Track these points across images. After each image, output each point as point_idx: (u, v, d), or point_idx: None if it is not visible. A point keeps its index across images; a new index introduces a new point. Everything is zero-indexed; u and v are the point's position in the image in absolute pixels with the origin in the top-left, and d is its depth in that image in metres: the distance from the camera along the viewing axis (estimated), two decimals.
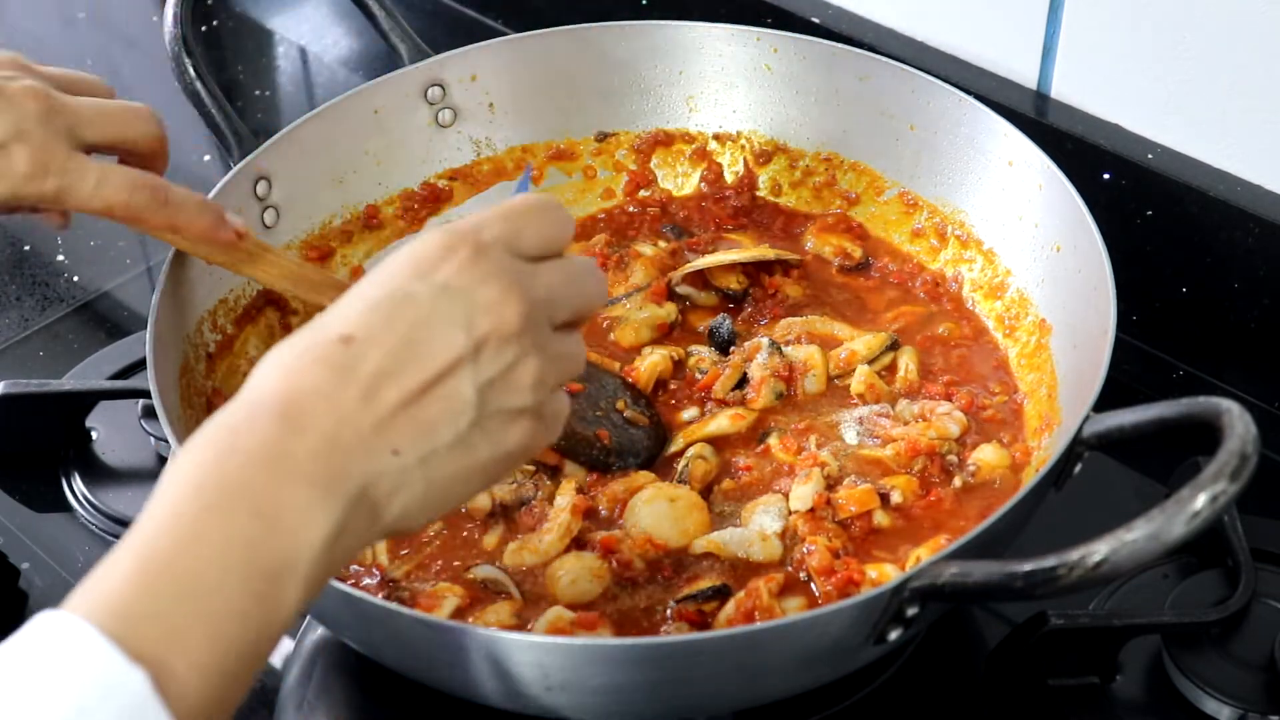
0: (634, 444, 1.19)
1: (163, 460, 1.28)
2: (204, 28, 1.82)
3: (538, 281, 0.83)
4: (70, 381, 1.35)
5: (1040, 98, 1.39)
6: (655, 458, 1.19)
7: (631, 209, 1.42)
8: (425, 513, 0.81)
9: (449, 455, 0.80)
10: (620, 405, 1.21)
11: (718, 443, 1.18)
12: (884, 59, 1.34)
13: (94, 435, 1.33)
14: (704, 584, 1.06)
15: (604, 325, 1.29)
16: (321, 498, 0.75)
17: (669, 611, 1.06)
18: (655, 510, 1.11)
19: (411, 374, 0.78)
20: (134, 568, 0.71)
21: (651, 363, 1.23)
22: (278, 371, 0.78)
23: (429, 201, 1.37)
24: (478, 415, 0.80)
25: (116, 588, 0.70)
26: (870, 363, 1.23)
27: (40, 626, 0.69)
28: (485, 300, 0.80)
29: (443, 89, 1.37)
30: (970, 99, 1.29)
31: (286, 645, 1.17)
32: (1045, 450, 1.14)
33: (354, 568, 1.11)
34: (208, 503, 0.73)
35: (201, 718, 0.70)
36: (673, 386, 1.24)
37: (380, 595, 1.07)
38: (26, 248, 1.56)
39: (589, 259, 0.90)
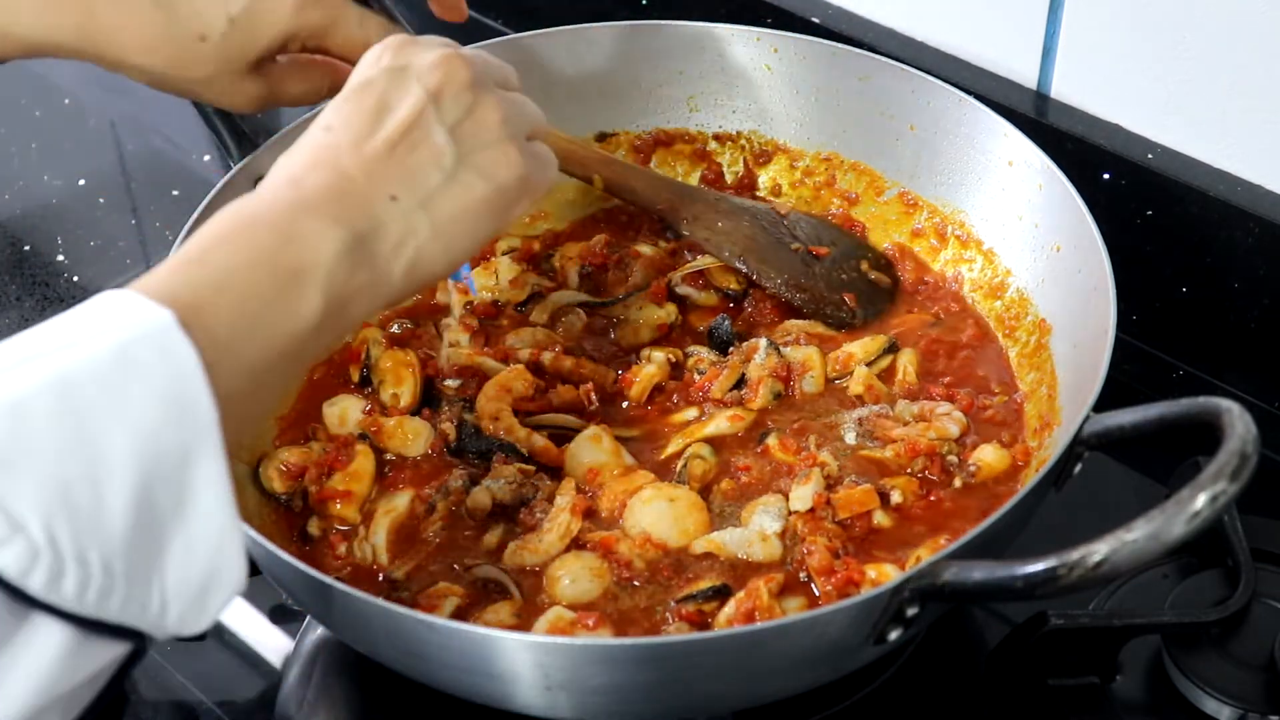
0: (877, 301, 1.30)
1: None
2: None
3: (474, 54, 0.99)
4: None
5: (1040, 98, 1.39)
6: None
7: (632, 209, 1.42)
8: (444, 254, 0.92)
9: (445, 194, 0.92)
10: (864, 266, 1.32)
11: (716, 443, 1.18)
12: (884, 59, 1.34)
13: None
14: (704, 584, 1.06)
15: (603, 325, 1.30)
16: (332, 224, 0.87)
17: (669, 611, 1.06)
18: (655, 510, 1.11)
19: (384, 129, 0.91)
20: (174, 264, 0.83)
21: (648, 374, 1.23)
22: (280, 164, 0.91)
23: None
24: (458, 153, 0.93)
25: (161, 279, 0.82)
26: (869, 365, 1.23)
27: (105, 299, 0.80)
28: (431, 61, 0.95)
29: None
30: (970, 99, 1.29)
31: (286, 645, 1.17)
32: (1045, 450, 1.14)
33: (355, 567, 1.11)
34: (234, 227, 0.86)
35: (227, 367, 0.79)
36: (671, 387, 1.24)
37: (380, 595, 1.07)
38: (26, 248, 1.56)
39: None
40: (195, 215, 1.18)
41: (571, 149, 1.31)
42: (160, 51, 1.11)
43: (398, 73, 0.94)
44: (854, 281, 1.31)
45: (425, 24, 1.18)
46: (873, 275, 1.32)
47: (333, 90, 1.14)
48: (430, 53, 0.96)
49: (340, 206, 0.88)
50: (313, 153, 0.91)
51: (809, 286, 1.30)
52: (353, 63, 1.04)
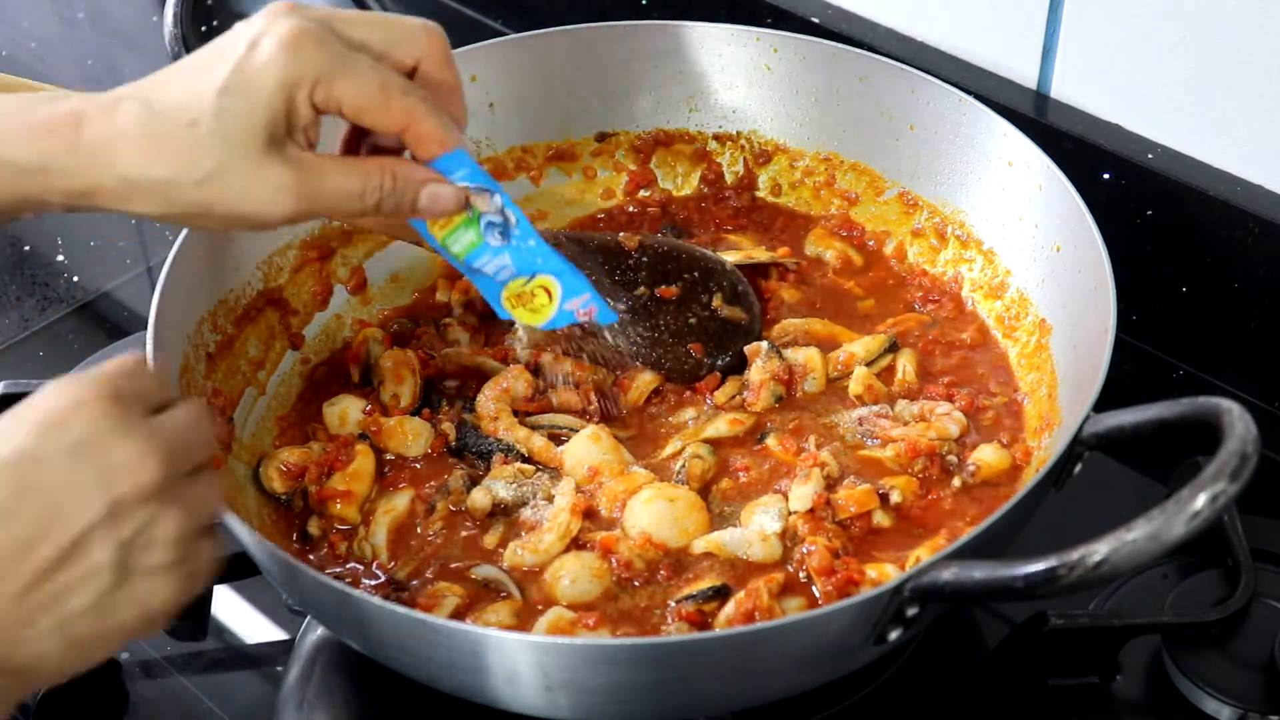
0: (730, 341, 1.23)
1: None
2: (204, 28, 1.82)
3: (167, 433, 0.82)
4: None
5: (1040, 98, 1.39)
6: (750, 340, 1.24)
7: (631, 209, 1.42)
8: (62, 672, 0.82)
9: (86, 620, 0.80)
10: (716, 302, 1.25)
11: (716, 443, 1.18)
12: (884, 59, 1.34)
13: None
14: (704, 584, 1.06)
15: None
16: None
17: (669, 611, 1.06)
18: (655, 510, 1.11)
19: (45, 546, 0.77)
20: None
21: (645, 380, 1.23)
22: None
23: None
24: (116, 578, 0.80)
25: None
26: (869, 364, 1.23)
27: None
28: (122, 458, 0.79)
29: None
30: (970, 99, 1.29)
31: (286, 645, 1.17)
32: (1045, 450, 1.14)
33: (354, 567, 1.11)
34: None
35: None
36: (669, 388, 1.24)
37: (380, 595, 1.07)
38: (26, 248, 1.56)
39: (191, 402, 0.88)
40: None
41: None
42: (156, 153, 0.95)
43: (82, 460, 0.79)
44: (703, 323, 1.26)
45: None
46: (725, 312, 1.26)
47: (385, 187, 0.99)
48: (127, 443, 0.80)
49: None
50: None
51: (654, 343, 1.24)
52: (382, 131, 0.97)
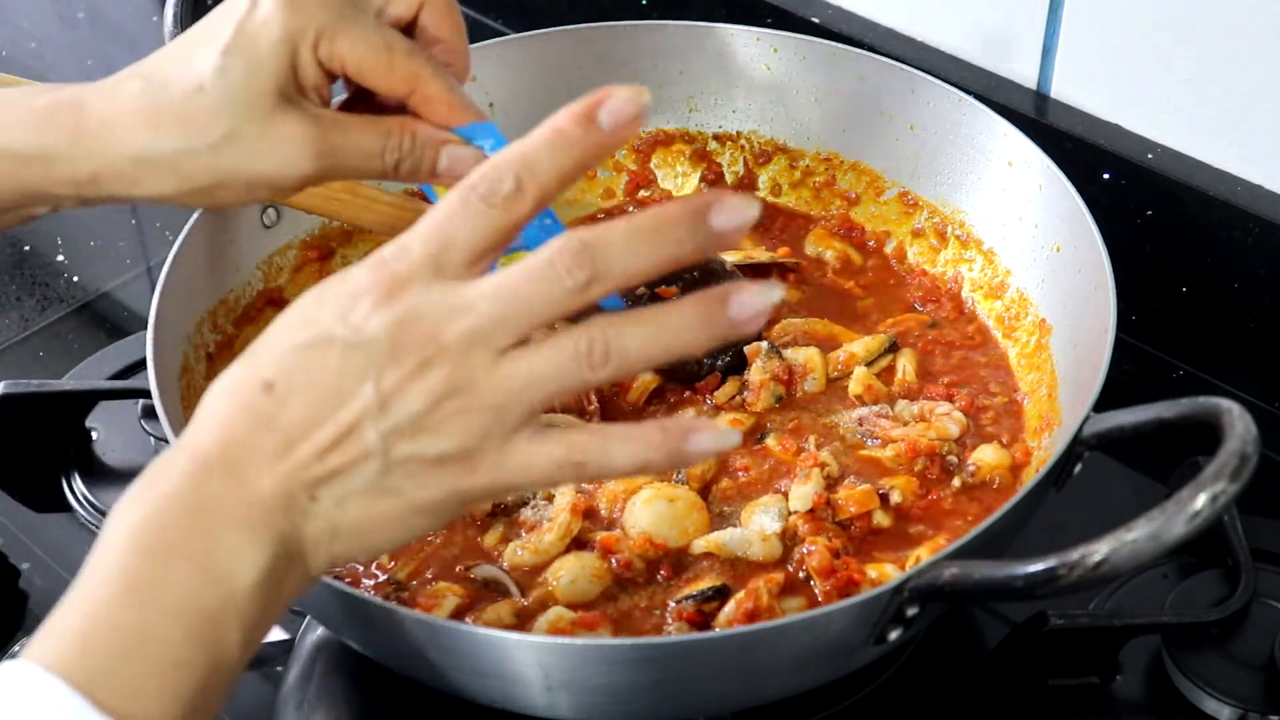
0: (731, 342, 1.18)
1: None
2: None
3: (464, 311, 0.77)
4: (70, 381, 1.35)
5: (1040, 98, 1.39)
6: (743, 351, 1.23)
7: (631, 209, 1.42)
8: (362, 552, 0.81)
9: (366, 500, 0.79)
10: None
11: None
12: (884, 59, 1.34)
13: (94, 435, 1.33)
14: (704, 584, 1.06)
15: None
16: (249, 541, 0.76)
17: (669, 612, 1.06)
18: (654, 510, 1.11)
19: (325, 427, 0.77)
20: (82, 621, 0.73)
21: (644, 380, 1.23)
22: (211, 418, 0.79)
23: (429, 202, 1.37)
24: (386, 463, 0.78)
25: (69, 643, 0.72)
26: (869, 365, 1.23)
27: (6, 677, 0.70)
28: (392, 348, 0.76)
29: None
30: (970, 99, 1.29)
31: (286, 645, 1.17)
32: (1045, 450, 1.14)
33: (354, 567, 1.11)
34: (142, 548, 0.75)
35: None
36: (669, 388, 1.24)
37: (380, 595, 1.07)
38: (26, 248, 1.56)
39: (548, 250, 0.78)
40: (195, 216, 1.18)
41: (398, 214, 1.22)
42: (164, 125, 0.93)
43: (360, 349, 0.76)
44: None
45: None
46: None
47: (404, 146, 0.96)
48: (401, 332, 0.76)
49: (261, 513, 0.77)
50: (244, 421, 0.78)
51: None
52: (386, 92, 0.95)
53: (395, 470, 0.78)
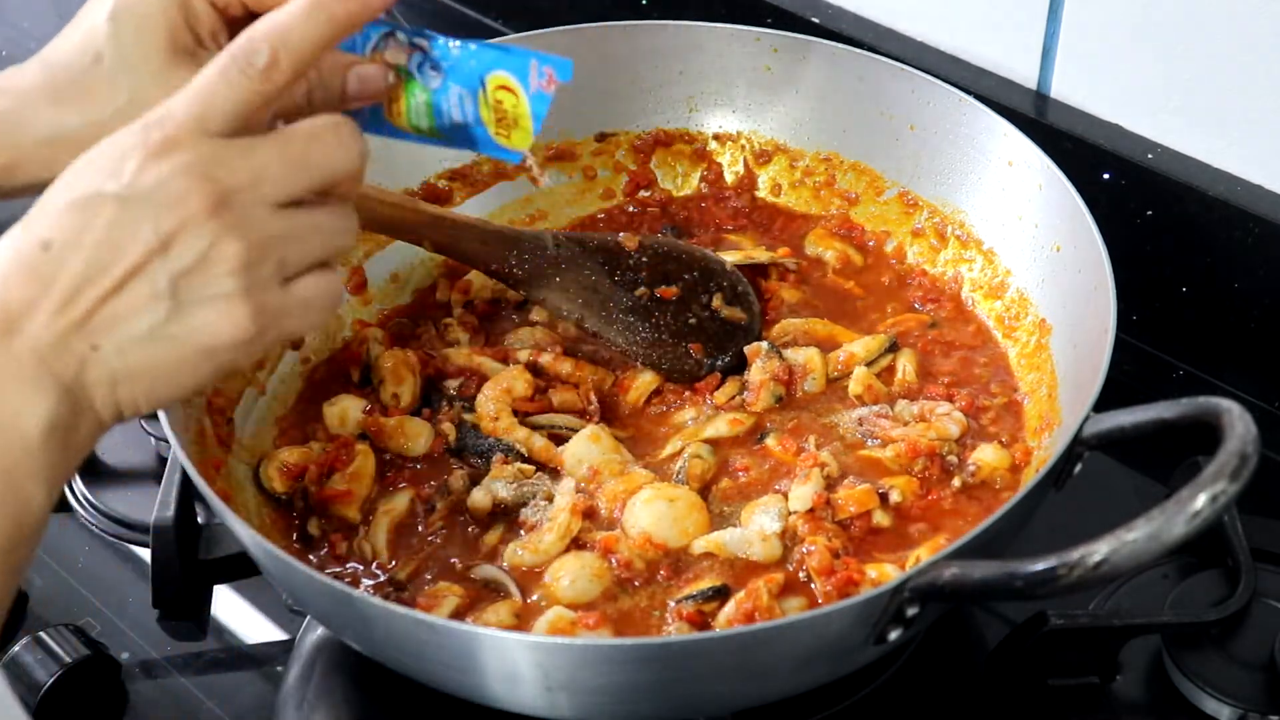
0: (730, 341, 1.24)
1: (162, 460, 1.28)
2: None
3: (239, 163, 0.81)
4: None
5: (1040, 98, 1.39)
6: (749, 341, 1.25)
7: (631, 209, 1.42)
8: (149, 401, 0.83)
9: (150, 344, 0.81)
10: (716, 302, 1.25)
11: (715, 443, 1.18)
12: (884, 59, 1.34)
13: None
14: (704, 584, 1.06)
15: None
16: (31, 392, 0.79)
17: (669, 612, 1.06)
18: (654, 510, 1.11)
19: (105, 276, 0.79)
20: None
21: (644, 381, 1.23)
22: None
23: (429, 203, 1.37)
24: (173, 304, 0.80)
25: None
26: (869, 365, 1.23)
27: None
28: (171, 194, 0.79)
29: None
30: (970, 99, 1.29)
31: (286, 645, 1.17)
32: (1045, 450, 1.14)
33: (354, 567, 1.11)
34: None
35: None
36: (668, 388, 1.24)
37: (380, 595, 1.07)
38: None
39: (327, 119, 0.83)
40: None
41: (398, 214, 1.20)
42: (65, 102, 0.94)
43: (138, 198, 0.79)
44: (703, 324, 1.26)
45: (426, 24, 1.17)
46: (725, 312, 1.26)
47: (312, 77, 0.93)
48: (177, 180, 0.80)
49: (41, 365, 0.80)
50: (23, 280, 0.80)
51: (653, 343, 1.24)
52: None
53: (182, 312, 0.80)
